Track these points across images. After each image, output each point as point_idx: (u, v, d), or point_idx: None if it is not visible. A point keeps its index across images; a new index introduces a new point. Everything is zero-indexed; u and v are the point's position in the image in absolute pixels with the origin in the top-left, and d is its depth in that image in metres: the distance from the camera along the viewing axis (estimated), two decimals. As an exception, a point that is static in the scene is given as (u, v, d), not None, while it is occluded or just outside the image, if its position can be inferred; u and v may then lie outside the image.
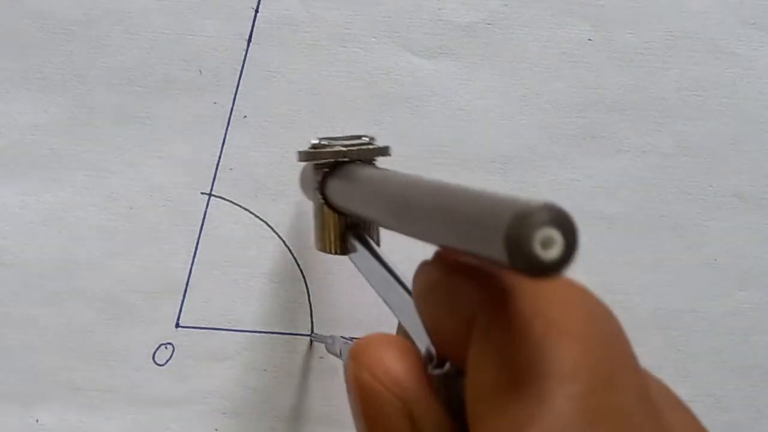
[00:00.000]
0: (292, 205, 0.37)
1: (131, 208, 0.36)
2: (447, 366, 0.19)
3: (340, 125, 0.37)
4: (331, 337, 0.33)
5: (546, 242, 0.14)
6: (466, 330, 0.18)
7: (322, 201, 0.29)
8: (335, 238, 0.29)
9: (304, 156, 0.30)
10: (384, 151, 0.30)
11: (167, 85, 0.36)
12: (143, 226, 0.36)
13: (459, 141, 0.37)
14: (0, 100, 0.36)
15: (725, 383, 0.37)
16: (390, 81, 0.37)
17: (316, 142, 0.30)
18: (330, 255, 0.37)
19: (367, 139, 0.30)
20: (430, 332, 0.19)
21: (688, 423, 0.19)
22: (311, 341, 0.36)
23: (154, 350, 0.36)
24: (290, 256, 0.36)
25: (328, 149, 0.29)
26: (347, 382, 0.20)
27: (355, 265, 0.29)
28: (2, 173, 0.36)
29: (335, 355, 0.33)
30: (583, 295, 0.17)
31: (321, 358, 0.36)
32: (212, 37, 0.37)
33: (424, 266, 0.20)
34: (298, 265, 0.36)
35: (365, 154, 0.29)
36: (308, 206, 0.37)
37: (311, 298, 0.36)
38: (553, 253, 0.14)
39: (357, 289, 0.37)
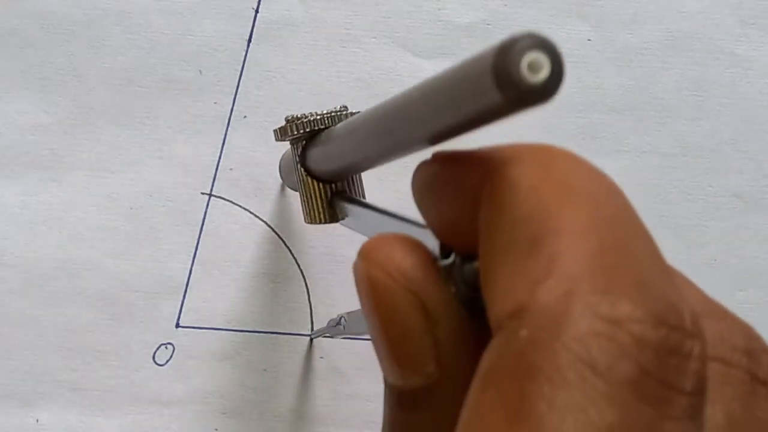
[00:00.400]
0: (292, 205, 0.37)
1: (131, 208, 0.36)
2: (453, 256, 0.19)
3: (340, 125, 0.37)
4: (332, 320, 0.33)
5: (533, 66, 0.14)
6: (471, 209, 0.18)
7: (305, 173, 0.29)
8: (323, 207, 0.29)
9: (281, 132, 0.30)
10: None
11: (167, 85, 0.36)
12: (143, 226, 0.36)
13: (458, 141, 0.37)
14: (0, 100, 0.36)
15: (725, 383, 0.37)
16: (390, 81, 0.37)
17: (290, 117, 0.30)
18: (329, 255, 0.37)
19: (338, 107, 0.30)
20: (434, 227, 0.19)
21: (698, 292, 0.18)
22: (311, 341, 0.36)
23: (154, 350, 0.36)
24: (290, 256, 0.36)
25: (304, 119, 0.29)
26: (357, 282, 0.19)
27: (351, 229, 0.29)
28: (2, 173, 0.36)
29: (339, 333, 0.33)
30: (589, 164, 0.17)
31: (321, 358, 0.36)
32: (212, 38, 0.37)
33: (422, 164, 0.20)
34: (298, 265, 0.36)
35: (342, 119, 0.29)
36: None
37: (311, 298, 0.36)
38: (542, 75, 0.15)
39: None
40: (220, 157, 0.37)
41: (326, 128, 0.29)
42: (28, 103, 0.36)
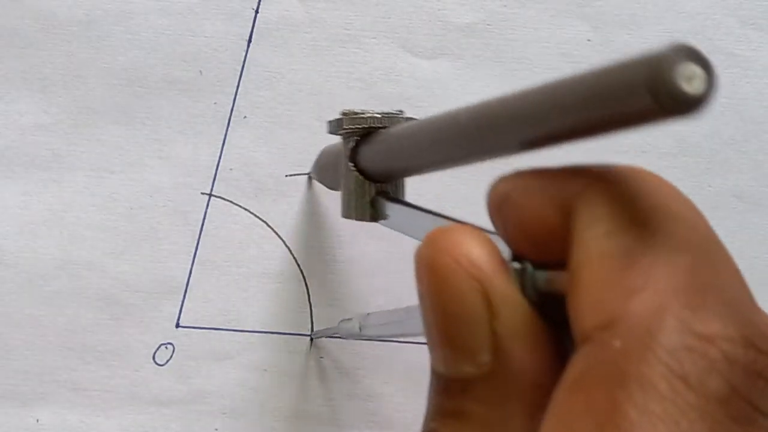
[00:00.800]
0: (292, 205, 0.37)
1: (131, 208, 0.36)
2: (524, 262, 0.19)
3: (340, 125, 0.37)
4: (344, 320, 0.33)
5: (689, 77, 0.15)
6: (557, 221, 0.18)
7: (354, 169, 0.29)
8: (368, 205, 0.29)
9: (336, 124, 0.30)
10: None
11: (167, 86, 0.36)
12: (143, 226, 0.36)
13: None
14: (0, 100, 0.36)
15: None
16: (390, 81, 0.37)
17: (348, 111, 0.30)
18: (329, 255, 0.37)
19: (395, 110, 0.30)
20: (510, 236, 0.20)
21: None
22: (311, 341, 0.36)
23: (154, 350, 0.36)
24: (290, 256, 0.36)
25: (363, 116, 0.29)
26: (418, 267, 0.19)
27: (391, 229, 0.29)
28: (2, 173, 0.36)
29: (350, 336, 0.32)
30: (679, 189, 0.18)
31: (321, 358, 0.36)
32: (212, 38, 0.37)
33: (505, 177, 0.20)
34: (298, 265, 0.37)
35: (399, 122, 0.29)
36: (308, 205, 0.37)
37: (311, 298, 0.36)
38: (697, 86, 0.15)
39: (357, 290, 0.37)
40: (220, 157, 0.37)
41: (382, 128, 0.29)
42: (29, 103, 0.36)
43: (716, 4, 0.38)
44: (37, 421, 0.35)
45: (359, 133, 0.29)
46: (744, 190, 0.38)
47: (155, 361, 0.36)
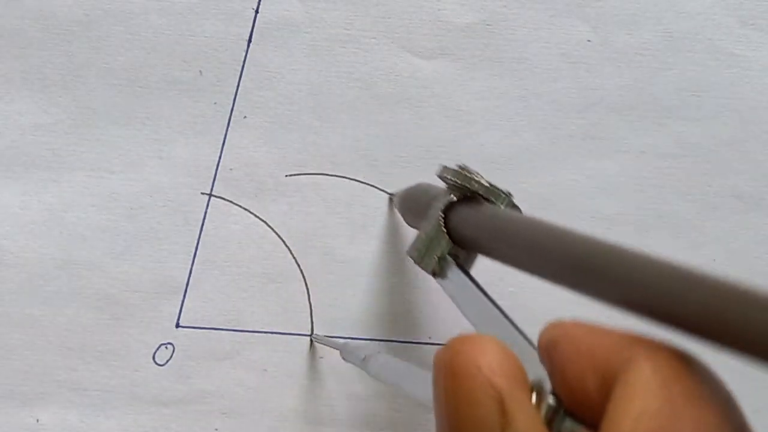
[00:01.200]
0: (292, 205, 0.37)
1: (131, 209, 0.36)
2: (561, 407, 0.20)
3: (340, 125, 0.37)
4: (352, 350, 0.33)
5: None
6: (599, 386, 0.19)
7: (442, 221, 0.30)
8: (435, 259, 0.29)
9: (449, 173, 0.30)
10: (517, 209, 0.30)
11: (167, 86, 0.36)
12: (143, 226, 0.36)
13: (459, 141, 0.37)
14: (0, 100, 0.36)
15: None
16: (390, 81, 0.37)
17: (464, 166, 0.30)
18: (329, 255, 0.37)
19: (506, 190, 0.30)
20: (555, 380, 0.20)
21: None
22: (311, 341, 0.36)
23: (154, 350, 0.36)
24: (290, 256, 0.36)
25: (476, 179, 0.29)
26: (436, 367, 0.20)
27: (444, 289, 0.29)
28: (2, 173, 0.36)
29: (350, 361, 0.33)
30: (717, 376, 0.19)
31: (321, 358, 0.36)
32: (212, 38, 0.37)
33: (557, 324, 0.20)
34: (298, 265, 0.37)
35: (503, 202, 0.29)
36: (309, 205, 0.37)
37: (311, 298, 0.36)
38: None
39: (357, 290, 0.37)
40: (220, 157, 0.37)
41: (486, 199, 0.29)
42: (29, 103, 0.36)
43: (716, 4, 0.38)
44: (37, 421, 0.35)
45: (465, 191, 0.30)
46: (744, 190, 0.38)
47: (155, 361, 0.36)
